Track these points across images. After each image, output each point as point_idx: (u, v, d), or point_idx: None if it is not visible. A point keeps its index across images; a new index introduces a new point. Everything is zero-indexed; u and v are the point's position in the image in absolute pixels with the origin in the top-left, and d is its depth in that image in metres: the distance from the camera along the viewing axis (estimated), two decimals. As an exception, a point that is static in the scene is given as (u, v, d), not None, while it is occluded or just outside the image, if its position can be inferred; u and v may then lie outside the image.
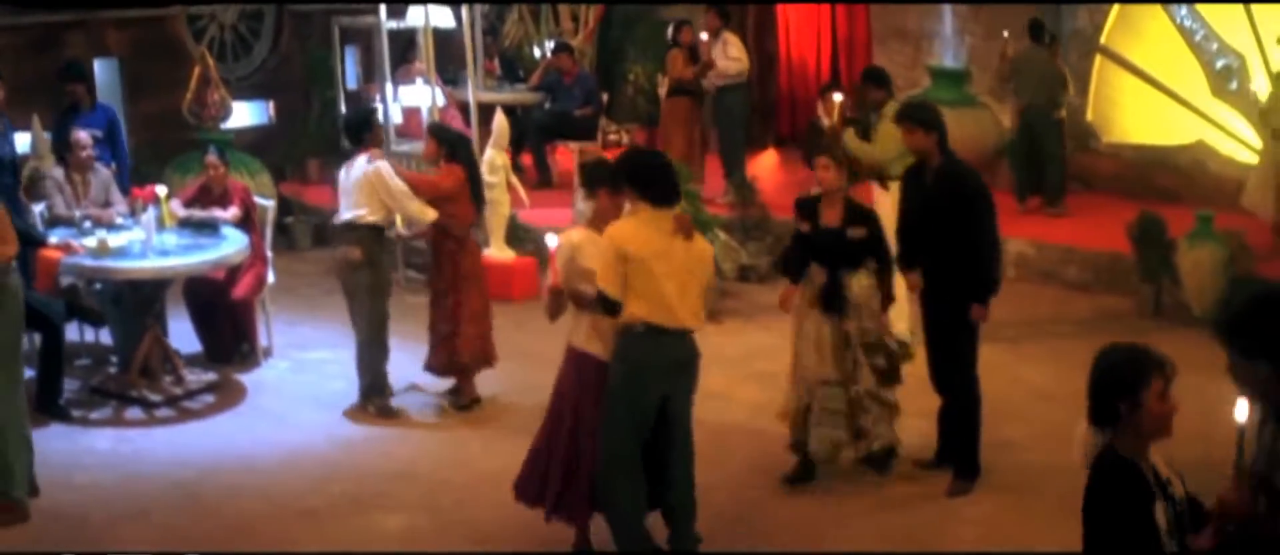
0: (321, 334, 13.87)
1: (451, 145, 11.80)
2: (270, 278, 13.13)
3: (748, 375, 9.96)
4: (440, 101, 16.31)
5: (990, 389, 10.07)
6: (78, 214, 12.48)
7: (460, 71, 18.42)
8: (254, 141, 18.59)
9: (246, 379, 12.65)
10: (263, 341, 13.19)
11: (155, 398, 11.86)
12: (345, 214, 11.42)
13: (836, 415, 9.64)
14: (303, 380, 12.65)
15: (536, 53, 21.45)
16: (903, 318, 12.31)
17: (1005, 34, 17.34)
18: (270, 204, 13.60)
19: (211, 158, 12.83)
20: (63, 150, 13.28)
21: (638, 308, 8.22)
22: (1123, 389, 5.33)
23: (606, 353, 8.48)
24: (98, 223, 12.29)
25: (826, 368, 9.63)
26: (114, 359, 12.66)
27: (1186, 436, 5.43)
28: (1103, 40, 17.80)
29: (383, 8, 16.00)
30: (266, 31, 20.26)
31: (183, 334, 12.97)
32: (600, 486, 8.58)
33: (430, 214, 11.50)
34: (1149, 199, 15.70)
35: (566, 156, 19.04)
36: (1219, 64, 16.66)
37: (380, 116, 15.04)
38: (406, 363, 12.13)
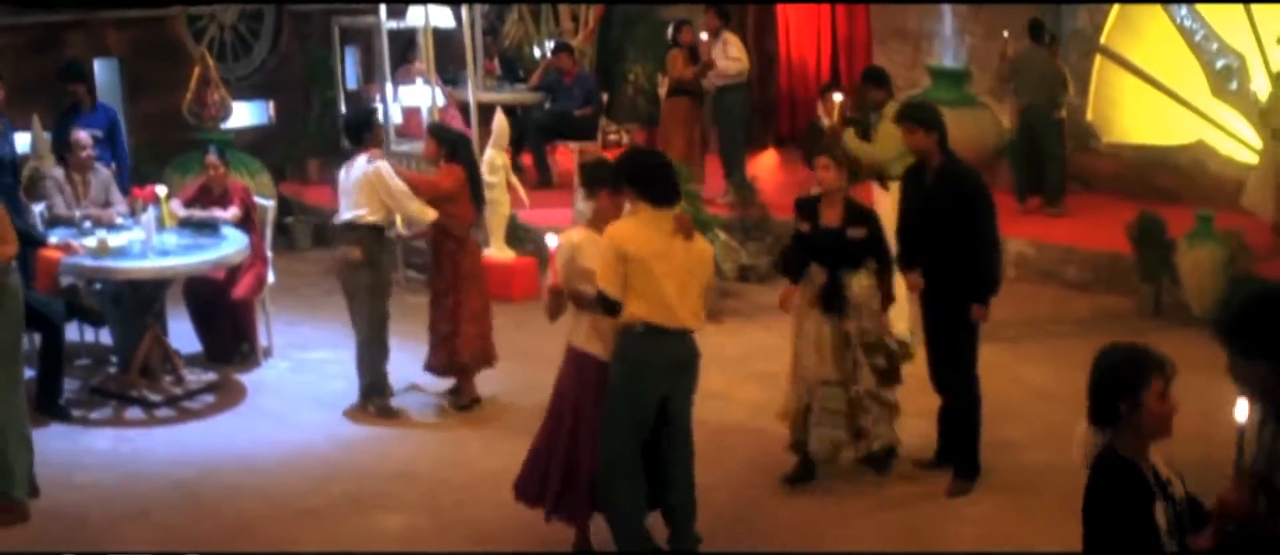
0: (321, 334, 13.88)
1: (452, 145, 11.80)
2: (270, 278, 13.13)
3: (748, 375, 9.97)
4: (440, 101, 16.31)
5: (990, 389, 10.07)
6: (78, 214, 12.49)
7: (460, 71, 18.42)
8: (254, 142, 18.60)
9: (246, 379, 12.65)
10: (263, 341, 13.19)
11: (155, 398, 11.87)
12: (345, 214, 11.43)
13: (836, 415, 9.63)
14: (303, 380, 12.66)
15: (536, 53, 21.46)
16: (903, 317, 12.32)
17: (1005, 34, 17.34)
18: (270, 204, 13.61)
19: (212, 158, 12.84)
20: (63, 150, 13.28)
21: (638, 308, 8.22)
22: (1123, 389, 5.33)
23: (606, 353, 8.48)
24: (98, 223, 12.30)
25: (826, 368, 9.62)
26: (114, 359, 12.67)
27: (1186, 436, 5.43)
28: (1103, 40, 17.81)
29: (383, 8, 16.01)
30: (266, 32, 20.27)
31: (183, 334, 12.97)
32: (600, 486, 8.59)
33: (430, 214, 11.51)
34: (1149, 199, 15.71)
35: (566, 156, 19.05)
36: (1219, 64, 16.67)
37: (380, 116, 15.05)
38: (406, 363, 12.13)
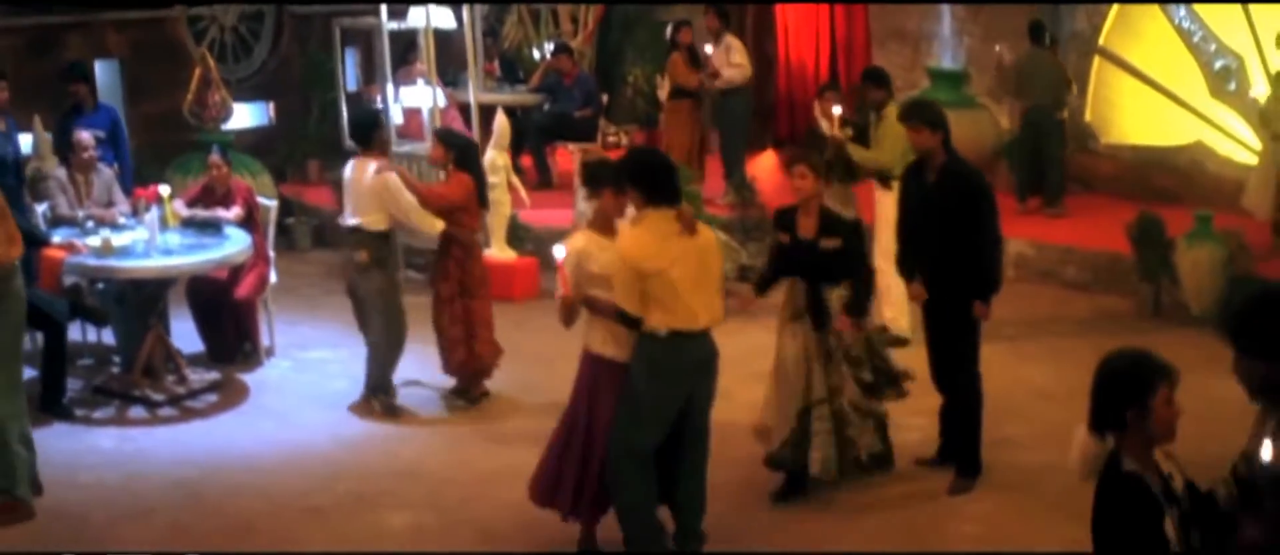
0: (322, 334, 13.91)
1: (459, 150, 11.79)
2: (273, 278, 13.15)
3: (748, 375, 9.99)
4: (441, 102, 16.33)
5: (990, 388, 10.09)
6: (81, 214, 12.52)
7: (460, 73, 18.47)
8: (254, 143, 18.63)
9: (249, 378, 12.67)
10: (265, 341, 13.21)
11: (158, 397, 11.88)
12: (351, 219, 11.46)
13: (825, 434, 9.57)
14: (305, 379, 12.68)
15: (536, 54, 21.48)
16: (904, 315, 12.37)
17: (997, 48, 17.42)
18: (273, 204, 13.64)
19: (215, 158, 12.87)
20: (65, 151, 13.31)
21: (659, 318, 8.27)
22: (1131, 397, 5.32)
23: (623, 354, 8.50)
24: (100, 223, 12.33)
25: (814, 386, 9.51)
26: (117, 358, 12.71)
27: (1184, 436, 5.44)
28: (1101, 41, 17.84)
29: (384, 9, 16.03)
30: (266, 33, 20.30)
31: (185, 334, 12.99)
32: (611, 478, 8.61)
33: (438, 227, 11.53)
34: (1148, 199, 15.73)
35: (566, 158, 19.07)
36: (1217, 65, 16.70)
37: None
38: (407, 361, 12.11)
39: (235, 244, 12.23)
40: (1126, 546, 5.31)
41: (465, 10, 16.65)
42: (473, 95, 16.46)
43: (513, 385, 12.17)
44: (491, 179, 14.11)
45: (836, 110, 12.93)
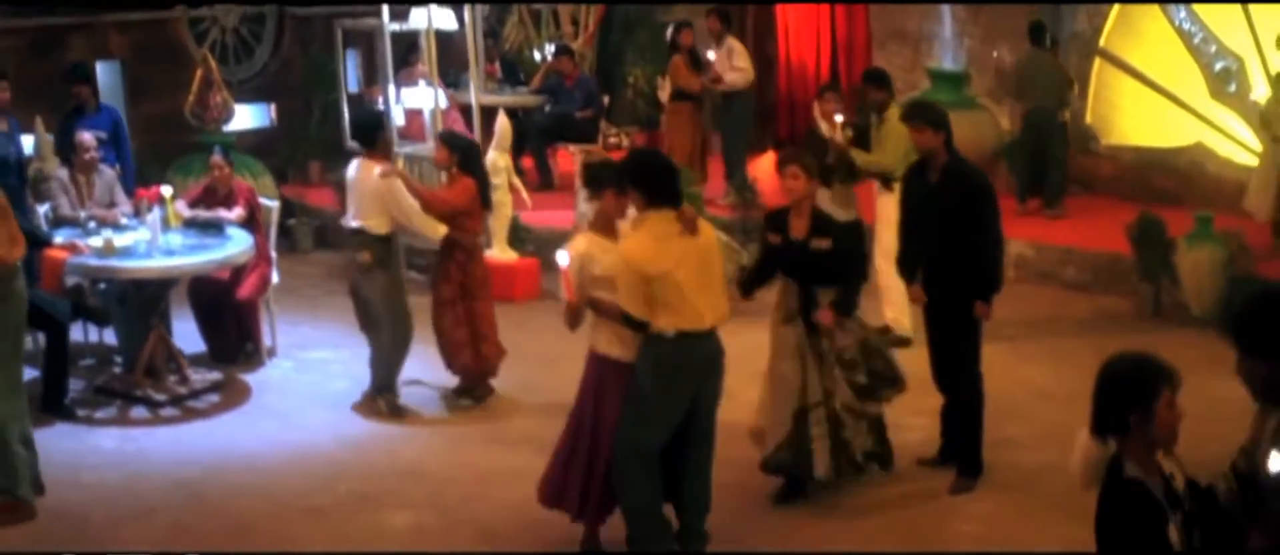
0: (323, 334, 13.94)
1: (463, 153, 11.81)
2: (275, 278, 13.17)
3: (749, 375, 9.98)
4: (443, 104, 16.34)
5: (991, 388, 10.11)
6: (83, 215, 12.54)
7: (461, 74, 18.48)
8: (255, 144, 18.61)
9: (251, 379, 12.68)
10: (267, 341, 13.23)
11: (160, 397, 11.90)
12: (353, 222, 11.48)
13: (823, 438, 9.52)
14: (307, 380, 12.69)
15: (537, 56, 21.49)
16: (906, 315, 12.38)
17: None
18: (275, 205, 13.66)
19: (217, 158, 12.89)
20: (67, 151, 13.32)
21: (667, 320, 8.29)
22: (1134, 401, 5.30)
23: (629, 355, 8.52)
24: (102, 223, 12.34)
25: (811, 389, 9.47)
26: (118, 359, 12.74)
27: (1184, 436, 5.45)
28: (1102, 43, 17.85)
29: (385, 10, 16.05)
30: (268, 35, 20.32)
31: (187, 334, 12.99)
32: (617, 478, 8.62)
33: (440, 231, 11.55)
34: (1148, 201, 15.77)
35: (567, 159, 19.08)
36: (1218, 66, 16.71)
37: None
38: (409, 361, 12.10)
39: (237, 244, 12.25)
40: (1131, 554, 5.33)
41: (467, 11, 16.66)
42: (474, 96, 16.47)
43: (514, 386, 12.18)
44: (493, 180, 14.11)
45: (839, 118, 12.92)
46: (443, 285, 11.77)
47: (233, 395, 12.25)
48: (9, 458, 9.55)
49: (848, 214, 12.73)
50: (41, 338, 11.71)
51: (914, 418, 10.48)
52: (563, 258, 8.55)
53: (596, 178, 9.36)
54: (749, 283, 9.70)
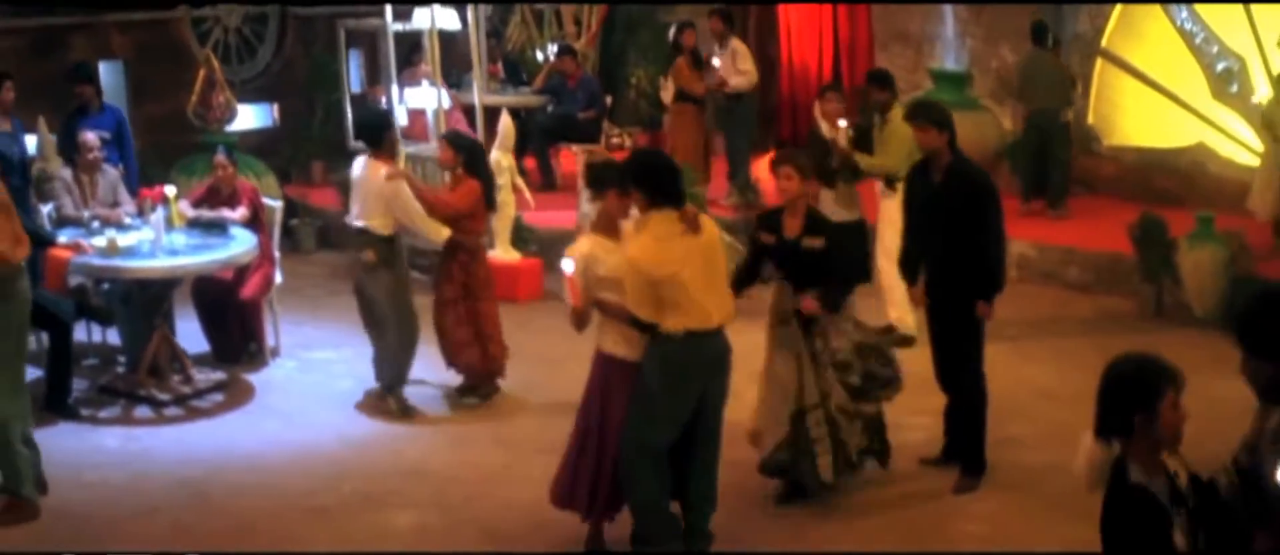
0: (326, 334, 13.94)
1: (468, 153, 11.82)
2: (278, 278, 13.19)
3: (750, 374, 9.98)
4: (446, 104, 16.35)
5: (993, 388, 10.11)
6: (86, 214, 12.55)
7: (464, 74, 18.50)
8: (258, 144, 18.62)
9: (254, 378, 12.69)
10: (270, 341, 13.23)
11: (164, 397, 11.91)
12: (356, 221, 11.50)
13: (824, 439, 9.50)
14: (310, 380, 12.70)
15: (539, 56, 21.49)
16: (909, 314, 12.38)
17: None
18: (278, 205, 13.67)
19: (220, 158, 12.89)
20: (71, 151, 13.34)
21: (675, 320, 8.30)
22: (1138, 402, 5.32)
23: (635, 354, 8.54)
24: (106, 223, 12.36)
25: (808, 390, 9.46)
26: (122, 358, 12.75)
27: (1186, 435, 5.46)
28: (1104, 43, 17.85)
29: (389, 10, 16.06)
30: (270, 35, 20.32)
31: (190, 334, 13.00)
32: (625, 476, 8.64)
33: (443, 233, 11.57)
34: (1150, 201, 15.77)
35: (570, 159, 19.08)
36: (1219, 67, 16.72)
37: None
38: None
39: (240, 244, 12.25)
40: None
41: (470, 12, 16.66)
42: (477, 97, 16.49)
43: (518, 385, 12.19)
44: (496, 180, 14.13)
45: (842, 123, 12.91)
46: (445, 285, 11.79)
47: (236, 395, 12.26)
48: (12, 457, 9.57)
49: (851, 214, 12.75)
50: (45, 337, 11.71)
51: (917, 417, 10.50)
52: (568, 265, 8.56)
53: (599, 178, 9.36)
54: (738, 281, 9.59)
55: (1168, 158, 17.24)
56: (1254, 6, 16.25)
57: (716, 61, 17.43)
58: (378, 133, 11.68)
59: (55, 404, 11.57)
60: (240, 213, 12.63)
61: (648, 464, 8.58)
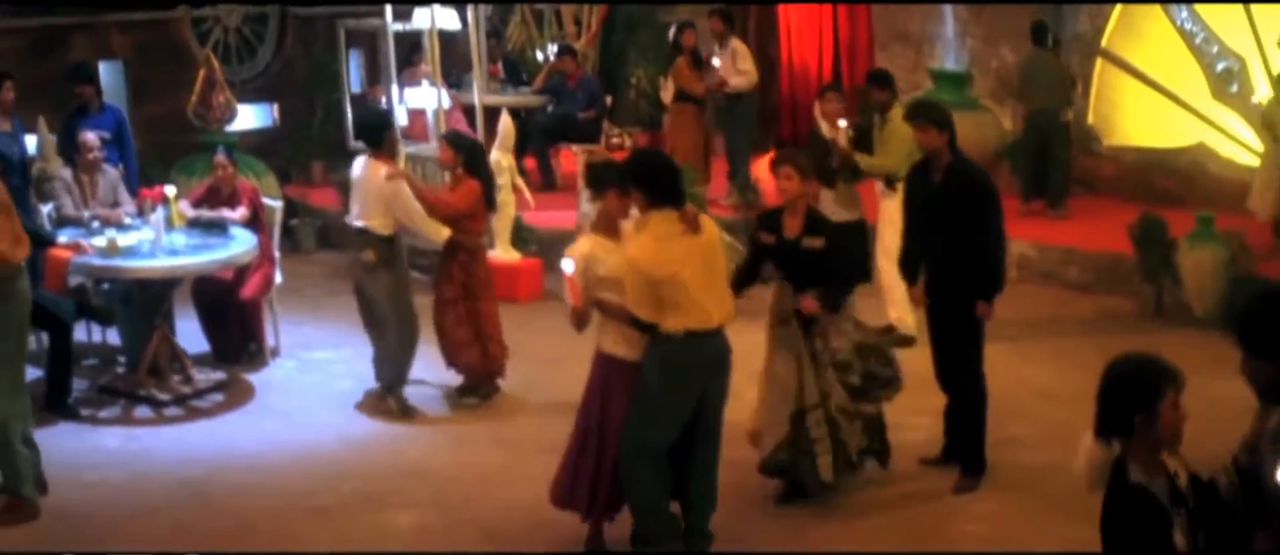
0: (326, 334, 13.95)
1: (469, 153, 11.83)
2: (278, 278, 13.19)
3: (750, 374, 9.97)
4: (446, 104, 16.36)
5: (993, 388, 10.11)
6: (86, 214, 12.56)
7: (464, 74, 18.51)
8: (258, 144, 18.62)
9: (254, 378, 12.69)
10: (270, 341, 13.23)
11: (164, 397, 11.91)
12: (356, 221, 11.50)
13: (825, 439, 9.48)
14: (310, 380, 12.70)
15: (539, 56, 21.49)
16: (909, 314, 12.38)
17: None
18: (278, 205, 13.67)
19: (220, 158, 12.89)
20: (71, 152, 13.34)
21: (675, 320, 8.30)
22: (1138, 402, 5.32)
23: (634, 354, 8.54)
24: (106, 223, 12.37)
25: (808, 390, 9.44)
26: (122, 359, 12.76)
27: (1186, 435, 5.47)
28: (1104, 43, 17.86)
29: (388, 10, 16.07)
30: (270, 35, 20.33)
31: (190, 334, 13.00)
32: (625, 476, 8.64)
33: (443, 234, 11.57)
34: (1150, 201, 15.78)
35: (570, 159, 19.08)
36: (1219, 67, 16.72)
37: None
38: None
39: (241, 244, 12.26)
40: None
41: (470, 12, 16.67)
42: (477, 97, 16.49)
43: (518, 385, 12.19)
44: (496, 180, 14.14)
45: (843, 123, 12.91)
46: (445, 285, 11.80)
47: (236, 395, 12.26)
48: (12, 457, 9.58)
49: (852, 214, 12.76)
50: (44, 337, 11.72)
51: (917, 417, 10.51)
52: (568, 265, 8.56)
53: (599, 178, 9.36)
54: (738, 281, 9.56)
55: (1168, 158, 17.26)
56: (1254, 6, 16.26)
57: (716, 61, 17.43)
58: (378, 133, 11.67)
59: (55, 404, 11.58)
60: (240, 213, 12.64)
61: (648, 464, 8.58)
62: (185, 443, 11.25)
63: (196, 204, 12.75)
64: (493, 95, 18.58)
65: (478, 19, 16.98)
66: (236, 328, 13.06)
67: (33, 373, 10.69)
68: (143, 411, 11.86)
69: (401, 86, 16.77)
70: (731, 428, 9.25)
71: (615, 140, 20.53)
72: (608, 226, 8.73)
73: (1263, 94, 16.09)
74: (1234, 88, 16.62)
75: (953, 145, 9.78)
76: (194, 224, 12.50)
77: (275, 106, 20.09)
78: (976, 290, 9.68)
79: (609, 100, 20.09)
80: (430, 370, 12.24)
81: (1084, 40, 18.00)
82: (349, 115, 17.57)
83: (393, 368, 11.76)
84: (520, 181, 15.49)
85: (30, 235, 9.85)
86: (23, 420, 9.70)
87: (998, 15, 18.23)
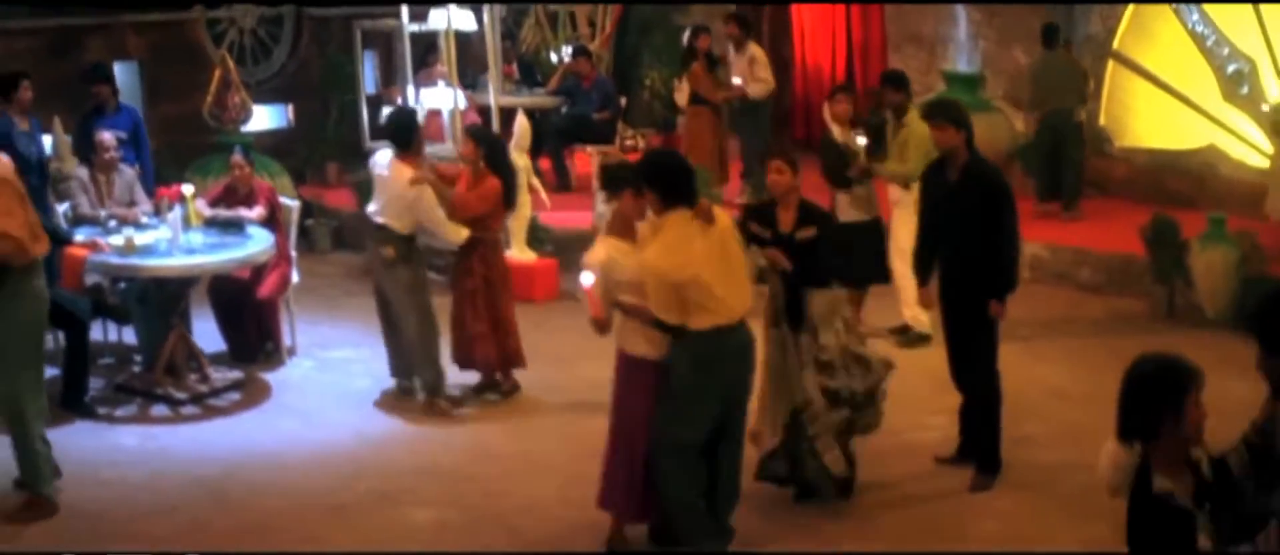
0: (342, 333, 13.98)
1: (490, 148, 11.88)
2: (295, 277, 13.24)
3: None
4: (462, 104, 16.39)
5: (1007, 387, 10.12)
6: (103, 213, 12.61)
7: (479, 75, 18.55)
8: (273, 145, 18.65)
9: (271, 377, 12.71)
10: (287, 341, 13.26)
11: (180, 395, 11.94)
12: (377, 217, 11.55)
13: (822, 435, 9.41)
14: (327, 379, 12.73)
15: (553, 57, 21.53)
16: (924, 313, 12.39)
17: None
18: (295, 204, 13.72)
19: (237, 158, 12.94)
20: (87, 151, 13.40)
21: (701, 320, 8.30)
22: (1166, 401, 5.38)
23: (655, 352, 8.55)
24: (123, 222, 12.42)
25: (798, 391, 9.39)
26: (138, 358, 12.80)
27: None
28: (1115, 45, 17.88)
29: (405, 11, 16.10)
30: (286, 36, 20.36)
31: (207, 333, 13.05)
32: (658, 476, 8.62)
33: (463, 235, 11.59)
34: (1161, 202, 15.80)
35: (584, 160, 19.12)
36: (1230, 69, 16.72)
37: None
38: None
39: (258, 244, 12.29)
40: None
41: (486, 12, 16.69)
42: (493, 97, 16.53)
43: (534, 385, 12.20)
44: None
45: (862, 140, 12.89)
46: (465, 279, 11.83)
47: (253, 394, 12.28)
48: (32, 456, 9.63)
49: (868, 214, 12.81)
50: (61, 336, 11.77)
51: (932, 417, 10.56)
52: (587, 279, 8.57)
53: (614, 179, 9.36)
54: None
55: (1179, 159, 17.27)
56: (1264, 9, 16.27)
57: (738, 80, 17.43)
58: (407, 134, 11.63)
59: (72, 403, 11.62)
60: (257, 212, 12.68)
61: (681, 463, 8.56)
62: (202, 441, 11.27)
63: (213, 203, 12.78)
64: (508, 96, 18.62)
65: (494, 19, 17.00)
66: (253, 327, 13.10)
67: (49, 372, 10.67)
68: (160, 410, 11.88)
69: (417, 87, 16.80)
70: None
71: (629, 142, 20.55)
72: (623, 228, 8.73)
73: (1274, 96, 16.11)
74: (1245, 90, 16.63)
75: (969, 144, 9.82)
76: (211, 223, 12.53)
77: (290, 107, 20.13)
78: (991, 289, 9.73)
79: (623, 102, 20.11)
80: (450, 370, 12.21)
81: (1096, 42, 18.03)
82: (364, 116, 17.60)
83: (429, 367, 11.79)
84: (536, 182, 15.52)
85: (48, 234, 9.88)
86: (42, 418, 9.74)
87: (1010, 17, 18.26)
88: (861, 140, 12.84)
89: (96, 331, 12.72)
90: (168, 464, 10.77)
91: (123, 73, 17.73)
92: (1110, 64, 17.93)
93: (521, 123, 15.09)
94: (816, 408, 9.35)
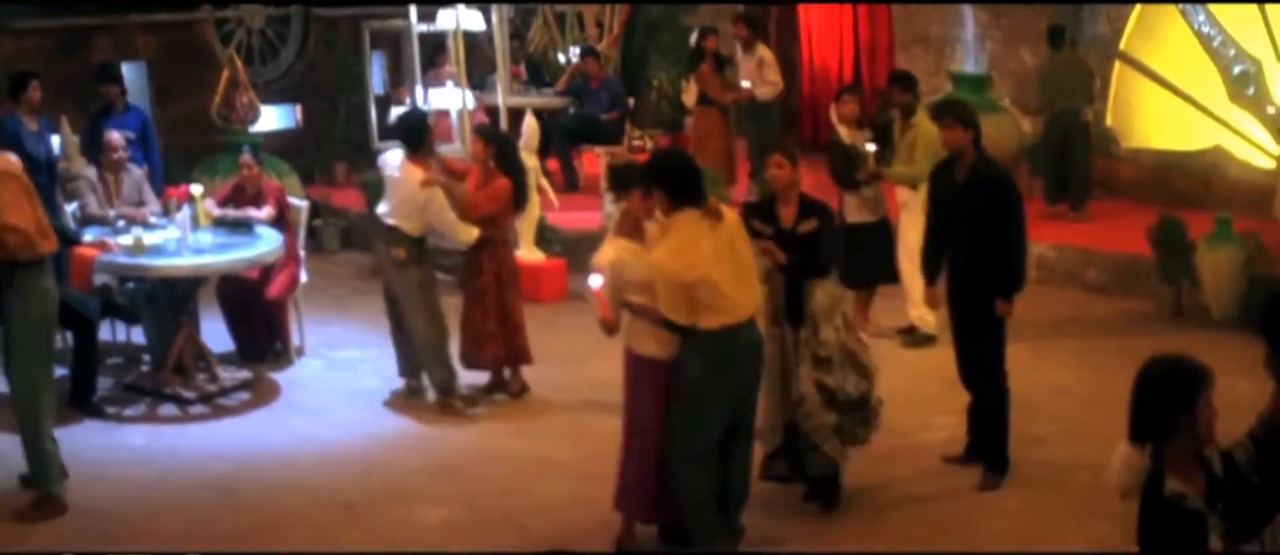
0: (351, 333, 14.01)
1: (500, 146, 11.90)
2: (303, 277, 13.26)
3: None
4: (470, 105, 16.41)
5: (1015, 387, 10.11)
6: (112, 213, 12.64)
7: (487, 76, 18.57)
8: (281, 145, 18.69)
9: (280, 377, 12.73)
10: (295, 340, 13.27)
11: (189, 395, 11.96)
12: (388, 219, 11.56)
13: (820, 429, 9.35)
14: (336, 378, 12.74)
15: (561, 58, 21.54)
16: (930, 312, 12.40)
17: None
18: (304, 204, 13.74)
19: (246, 158, 12.96)
20: (95, 151, 13.42)
21: (711, 319, 8.29)
22: (1180, 401, 5.39)
23: (664, 352, 8.55)
24: (132, 221, 12.44)
25: (795, 387, 9.37)
26: (147, 358, 12.80)
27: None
28: (1122, 46, 17.89)
29: (413, 11, 16.12)
30: (294, 36, 20.40)
31: (216, 332, 13.06)
32: (672, 476, 8.62)
33: (473, 235, 11.60)
34: (1168, 203, 15.82)
35: (592, 161, 19.11)
36: (1236, 70, 16.73)
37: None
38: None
39: (266, 243, 12.30)
40: None
41: (495, 13, 16.71)
42: (501, 98, 16.55)
43: (543, 385, 12.20)
44: (523, 178, 14.20)
45: (870, 147, 12.88)
46: (476, 278, 11.84)
47: (262, 393, 12.30)
48: (41, 455, 9.64)
49: (876, 215, 12.83)
50: (70, 336, 11.79)
51: (939, 417, 10.57)
52: (596, 281, 8.58)
53: (622, 180, 9.35)
54: None
55: (1185, 160, 17.27)
56: (1271, 10, 16.27)
57: (747, 84, 17.44)
58: (419, 135, 11.62)
59: (80, 402, 11.63)
60: (266, 212, 12.70)
61: (696, 463, 8.55)
62: (211, 441, 11.28)
63: (221, 203, 12.81)
64: (516, 97, 18.63)
65: (502, 20, 17.02)
66: (262, 327, 13.12)
67: (58, 371, 10.71)
68: (168, 410, 11.89)
69: (425, 88, 16.82)
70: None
71: (638, 142, 20.54)
72: (631, 228, 8.74)
73: (1278, 92, 16.13)
74: (1251, 90, 16.63)
75: (977, 144, 9.83)
76: (219, 223, 12.56)
77: (298, 107, 20.17)
78: (998, 288, 9.74)
79: (631, 102, 20.12)
80: (459, 370, 12.25)
81: (1102, 43, 18.03)
82: (372, 116, 17.63)
83: (440, 367, 11.80)
84: (544, 182, 15.54)
85: (56, 233, 9.90)
86: (51, 417, 9.76)
87: (1018, 18, 18.27)
88: (870, 146, 12.81)
89: (105, 331, 12.72)
90: (176, 463, 10.78)
91: (131, 73, 17.79)
92: (1117, 65, 17.95)
93: (530, 123, 15.11)
94: (811, 404, 9.34)
